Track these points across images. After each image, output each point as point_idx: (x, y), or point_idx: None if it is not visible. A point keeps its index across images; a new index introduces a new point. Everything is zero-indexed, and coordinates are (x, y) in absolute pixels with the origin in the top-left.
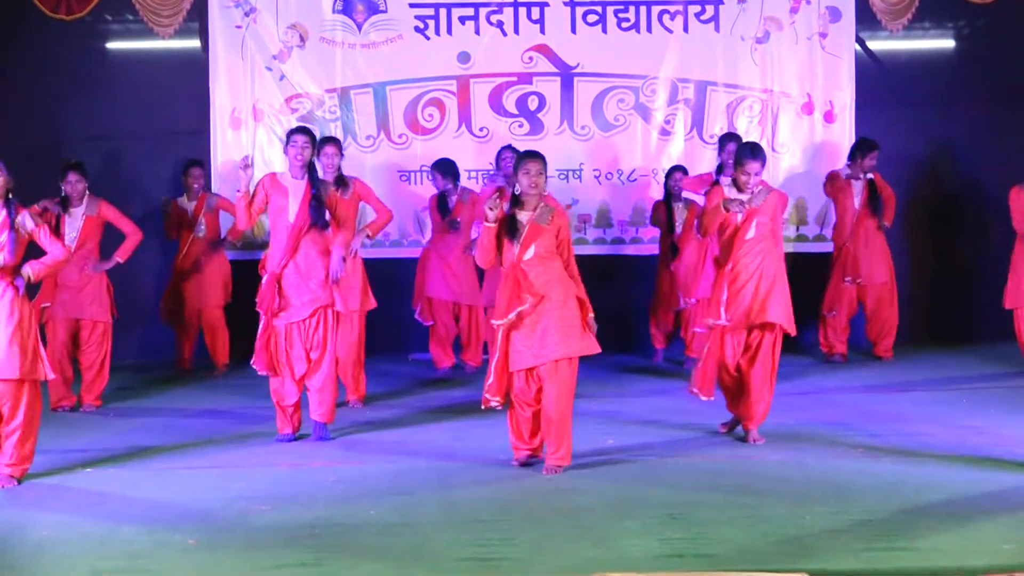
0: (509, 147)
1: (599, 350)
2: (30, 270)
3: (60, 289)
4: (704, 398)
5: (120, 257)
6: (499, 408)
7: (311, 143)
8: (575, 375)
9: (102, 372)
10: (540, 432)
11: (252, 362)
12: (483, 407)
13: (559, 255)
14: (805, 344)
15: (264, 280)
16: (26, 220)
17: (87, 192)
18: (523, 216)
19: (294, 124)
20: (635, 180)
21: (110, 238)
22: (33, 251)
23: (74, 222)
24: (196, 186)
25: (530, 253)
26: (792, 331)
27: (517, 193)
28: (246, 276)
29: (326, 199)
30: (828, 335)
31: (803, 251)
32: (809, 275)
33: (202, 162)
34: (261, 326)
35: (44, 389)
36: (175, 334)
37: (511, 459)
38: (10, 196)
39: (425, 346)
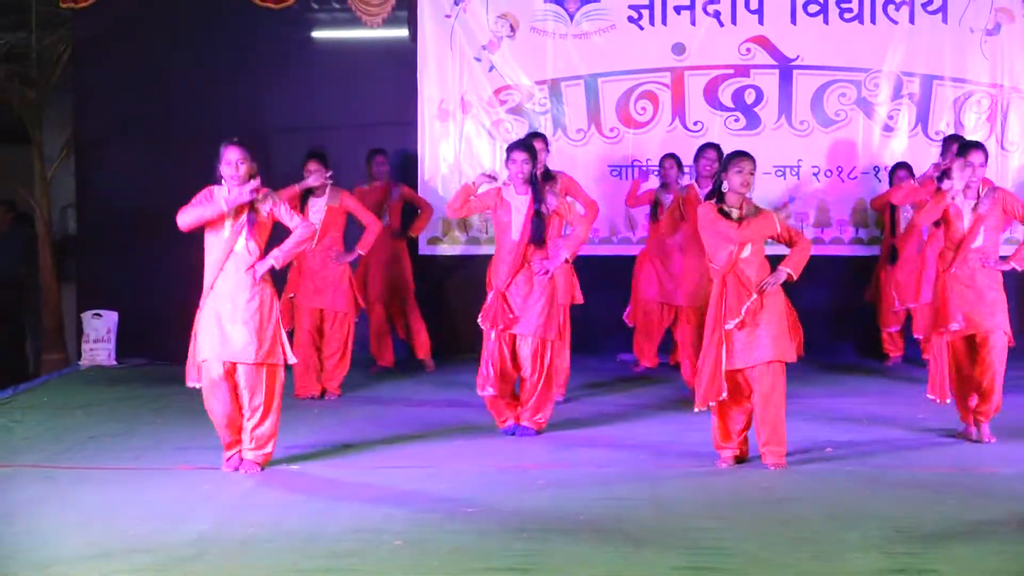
0: (671, 155)
1: (794, 359)
2: (274, 259)
3: (304, 279)
4: (939, 402)
5: (362, 249)
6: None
7: (531, 158)
8: (784, 376)
9: (343, 361)
10: (744, 433)
11: (479, 382)
12: (696, 409)
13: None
14: None
15: (490, 296)
16: (266, 200)
17: (329, 181)
18: (734, 214)
19: (502, 116)
20: (855, 178)
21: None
22: (276, 239)
23: (316, 212)
24: (381, 172)
25: (747, 252)
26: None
27: (724, 191)
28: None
29: (553, 209)
30: None
31: None
32: None
33: (385, 150)
34: (486, 343)
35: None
36: (370, 328)
37: (718, 460)
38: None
39: (631, 346)
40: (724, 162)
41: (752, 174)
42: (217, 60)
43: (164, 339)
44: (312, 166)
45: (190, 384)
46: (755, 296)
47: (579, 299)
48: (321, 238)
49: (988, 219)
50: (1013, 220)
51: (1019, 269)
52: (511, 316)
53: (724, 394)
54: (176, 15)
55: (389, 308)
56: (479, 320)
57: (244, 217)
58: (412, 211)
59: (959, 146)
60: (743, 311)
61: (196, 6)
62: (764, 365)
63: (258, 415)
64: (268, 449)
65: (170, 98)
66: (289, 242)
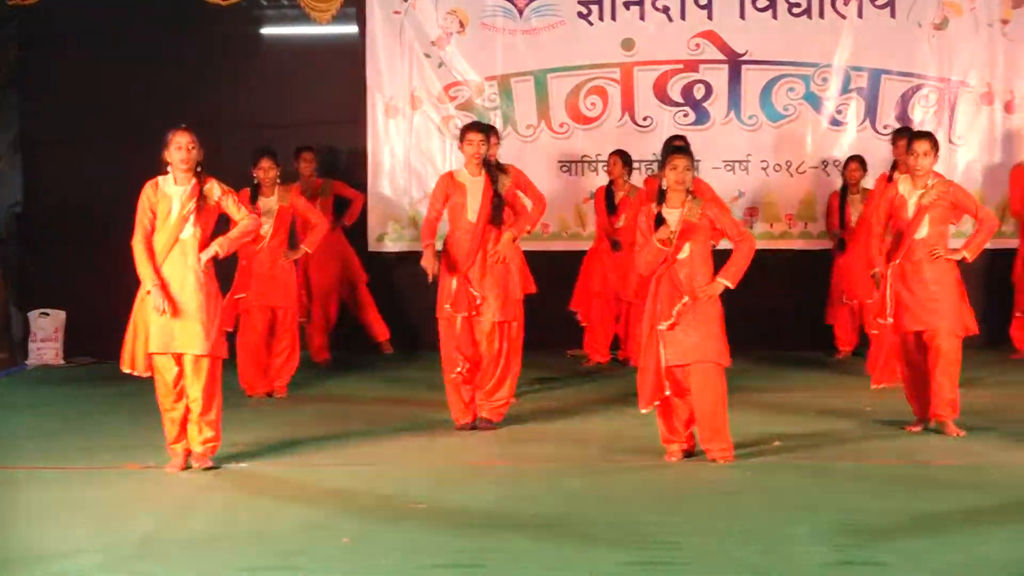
0: (619, 152)
1: (728, 363)
2: (218, 247)
3: (254, 280)
4: (887, 386)
5: (309, 247)
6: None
7: (487, 139)
8: (722, 374)
9: (291, 359)
10: (691, 427)
11: (445, 367)
12: (642, 410)
13: (728, 239)
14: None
15: (453, 281)
16: (214, 188)
17: (279, 181)
18: (673, 215)
19: (452, 112)
20: (804, 172)
21: None
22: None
23: (268, 212)
24: (308, 172)
25: (684, 253)
26: (973, 330)
27: (664, 188)
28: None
29: (506, 192)
30: (1019, 333)
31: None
32: (989, 271)
33: (312, 147)
34: (446, 330)
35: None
36: (309, 325)
37: (666, 455)
38: (199, 168)
39: (581, 341)
40: (660, 160)
41: (688, 170)
42: (165, 57)
43: (112, 338)
44: (264, 163)
45: (126, 369)
46: (687, 299)
47: (532, 288)
48: (271, 238)
49: (932, 210)
50: (963, 215)
51: (969, 260)
52: (477, 300)
53: (668, 391)
54: (124, 13)
55: (342, 299)
56: (446, 307)
57: (192, 204)
58: (342, 202)
59: (908, 137)
60: (674, 313)
61: (144, 3)
62: (697, 364)
63: (201, 408)
64: (217, 441)
65: (117, 96)
66: (234, 232)
